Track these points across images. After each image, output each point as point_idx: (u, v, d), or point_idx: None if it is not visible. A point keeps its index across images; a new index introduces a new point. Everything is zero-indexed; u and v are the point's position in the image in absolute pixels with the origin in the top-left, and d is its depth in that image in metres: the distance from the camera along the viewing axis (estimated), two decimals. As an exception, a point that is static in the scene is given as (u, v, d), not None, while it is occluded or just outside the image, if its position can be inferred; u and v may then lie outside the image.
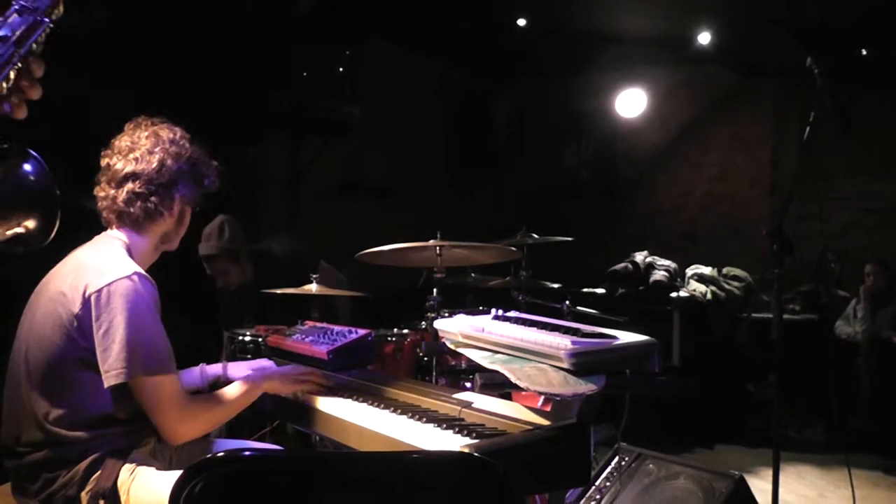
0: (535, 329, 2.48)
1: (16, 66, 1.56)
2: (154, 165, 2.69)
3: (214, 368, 3.17)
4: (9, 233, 1.89)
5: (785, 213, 3.73)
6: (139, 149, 2.71)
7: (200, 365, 3.18)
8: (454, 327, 2.76)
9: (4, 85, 1.55)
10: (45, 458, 2.49)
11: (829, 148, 7.50)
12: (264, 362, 3.26)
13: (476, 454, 1.94)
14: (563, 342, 2.30)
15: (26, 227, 1.90)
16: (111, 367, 2.43)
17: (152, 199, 2.70)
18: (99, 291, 2.48)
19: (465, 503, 1.70)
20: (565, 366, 2.29)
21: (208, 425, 2.68)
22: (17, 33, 1.55)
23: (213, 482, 1.51)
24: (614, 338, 2.41)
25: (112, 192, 2.71)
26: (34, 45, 1.59)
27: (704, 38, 7.65)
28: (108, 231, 2.77)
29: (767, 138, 8.29)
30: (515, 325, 2.56)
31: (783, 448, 4.79)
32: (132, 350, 2.44)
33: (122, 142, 2.76)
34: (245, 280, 5.00)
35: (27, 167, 1.88)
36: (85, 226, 2.85)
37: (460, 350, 2.72)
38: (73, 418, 2.51)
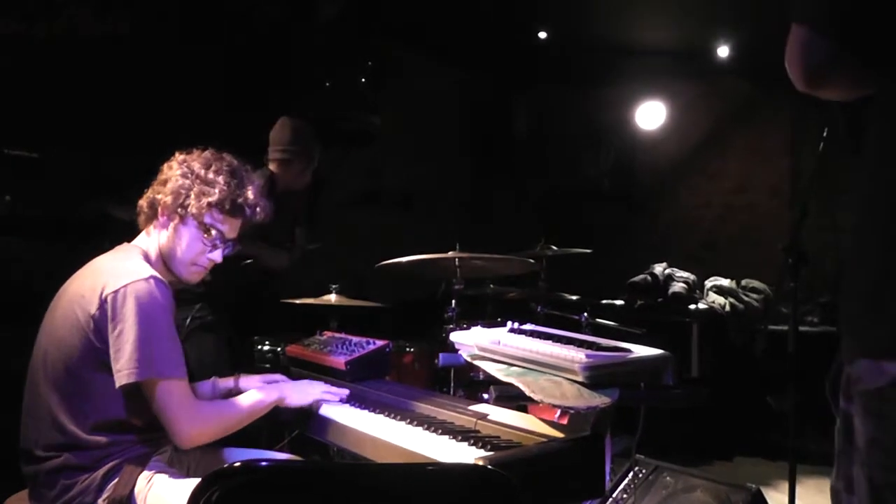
0: (550, 342, 2.50)
1: None
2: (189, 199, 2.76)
3: (226, 382, 3.19)
4: None
5: (800, 227, 3.74)
6: (188, 176, 2.78)
7: (213, 378, 3.20)
8: (470, 339, 2.78)
9: None
10: (63, 464, 2.52)
11: (848, 159, 7.47)
12: (277, 377, 3.27)
13: (490, 466, 1.96)
14: (577, 355, 2.32)
15: None
16: (123, 367, 2.46)
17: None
18: (115, 293, 2.52)
19: (480, 515, 1.72)
20: (580, 379, 2.31)
21: (219, 430, 2.69)
22: None
23: (231, 492, 1.52)
24: (629, 351, 2.42)
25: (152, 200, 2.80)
26: None
27: (723, 50, 7.66)
28: (135, 240, 2.84)
29: (787, 149, 8.25)
30: (531, 339, 2.58)
31: (805, 461, 4.77)
32: (144, 351, 2.47)
33: (175, 169, 2.82)
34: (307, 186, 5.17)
35: None
36: (109, 235, 2.92)
37: (476, 362, 2.73)
38: (91, 421, 2.55)
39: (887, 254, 1.47)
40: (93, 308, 2.53)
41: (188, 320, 4.51)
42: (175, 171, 2.80)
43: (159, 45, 5.61)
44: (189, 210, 2.75)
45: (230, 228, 2.84)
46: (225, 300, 4.79)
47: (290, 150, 4.97)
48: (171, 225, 2.78)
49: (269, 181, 4.87)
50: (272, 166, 4.98)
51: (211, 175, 2.78)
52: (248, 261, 4.79)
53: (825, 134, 3.52)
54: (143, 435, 2.63)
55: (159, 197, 2.78)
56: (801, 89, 1.60)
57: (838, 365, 1.57)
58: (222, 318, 4.71)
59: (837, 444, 1.58)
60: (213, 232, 2.80)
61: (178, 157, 2.86)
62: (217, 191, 2.76)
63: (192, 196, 2.75)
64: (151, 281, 2.57)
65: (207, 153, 2.86)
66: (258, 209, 2.88)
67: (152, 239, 2.82)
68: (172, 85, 5.61)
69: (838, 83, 1.60)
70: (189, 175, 2.77)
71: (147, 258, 2.76)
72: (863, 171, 1.56)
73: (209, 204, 2.75)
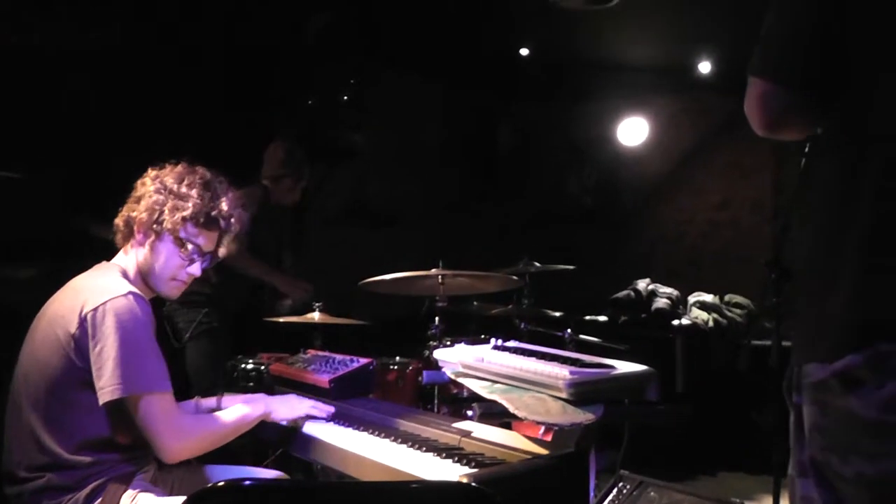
0: (533, 359, 2.49)
1: None
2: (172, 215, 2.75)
3: (209, 401, 3.17)
4: None
5: (783, 242, 3.76)
6: (162, 192, 2.78)
7: (196, 398, 3.18)
8: (454, 357, 2.77)
9: None
10: (47, 485, 2.50)
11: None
12: (259, 397, 3.24)
13: (475, 484, 1.95)
14: (561, 372, 2.32)
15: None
16: (106, 384, 2.45)
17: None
18: (95, 310, 2.51)
19: (464, 532, 1.71)
20: (564, 395, 2.31)
21: (205, 444, 2.69)
22: None
23: (214, 511, 1.52)
24: (612, 367, 2.43)
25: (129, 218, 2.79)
26: None
27: (705, 66, 7.70)
28: (114, 259, 2.83)
29: (769, 164, 8.27)
30: (514, 355, 2.58)
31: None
32: (126, 367, 2.46)
33: (149, 185, 2.81)
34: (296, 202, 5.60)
35: None
36: (90, 254, 2.91)
37: (460, 380, 2.73)
38: (74, 441, 2.53)
39: (816, 274, 1.68)
40: (73, 327, 2.52)
41: (195, 323, 4.58)
42: (149, 187, 2.80)
43: (143, 62, 5.60)
44: (164, 226, 2.74)
45: (206, 241, 2.84)
46: (231, 306, 4.87)
47: (282, 170, 5.38)
48: (148, 242, 2.77)
49: (263, 195, 5.27)
50: (265, 182, 5.37)
51: (184, 189, 2.78)
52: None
53: (807, 149, 3.55)
54: (127, 454, 2.62)
55: (134, 214, 2.78)
56: (760, 134, 1.80)
57: (792, 366, 1.76)
58: (225, 328, 4.79)
59: (792, 436, 1.76)
60: (190, 246, 2.79)
61: (151, 172, 2.85)
62: (191, 205, 2.76)
63: (167, 211, 2.74)
64: (130, 297, 2.56)
65: (180, 167, 2.85)
66: (233, 220, 2.88)
67: (130, 257, 2.81)
68: (157, 101, 5.60)
69: (795, 127, 1.80)
70: (162, 191, 2.77)
71: (126, 276, 2.75)
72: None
73: (183, 218, 2.75)
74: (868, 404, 1.51)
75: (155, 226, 2.75)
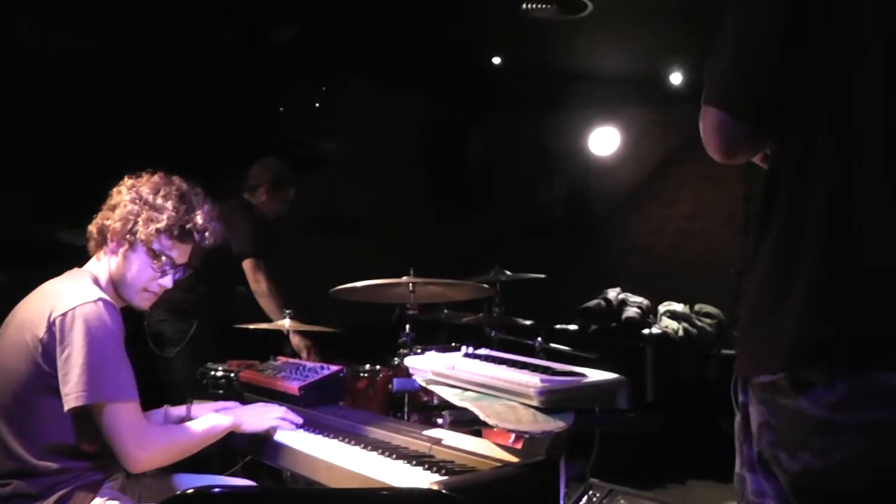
0: (504, 367, 2.49)
1: None
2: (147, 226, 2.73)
3: (178, 410, 3.13)
4: None
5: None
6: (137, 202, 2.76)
7: (164, 406, 3.15)
8: (425, 364, 2.77)
9: None
10: (13, 492, 2.48)
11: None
12: (230, 404, 3.22)
13: (445, 491, 1.95)
14: (532, 380, 2.32)
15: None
16: (71, 390, 2.43)
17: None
18: (63, 315, 2.49)
19: (434, 540, 1.71)
20: (535, 403, 2.30)
21: (170, 455, 2.66)
22: None
23: (182, 519, 1.51)
24: (583, 376, 2.43)
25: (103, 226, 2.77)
26: None
27: (676, 77, 7.76)
28: (86, 266, 2.81)
29: (740, 175, 8.31)
30: (485, 363, 2.58)
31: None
32: (92, 374, 2.44)
33: (125, 194, 2.79)
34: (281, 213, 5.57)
35: None
36: (60, 260, 2.89)
37: (431, 387, 2.72)
38: (41, 446, 2.51)
39: (769, 288, 1.70)
40: (41, 332, 2.50)
41: (188, 335, 4.57)
42: (124, 196, 2.77)
43: (112, 66, 5.57)
44: (138, 237, 2.72)
45: (180, 254, 2.82)
46: (217, 315, 4.85)
47: (268, 186, 5.38)
48: (121, 251, 2.75)
49: (247, 209, 5.28)
50: (248, 197, 5.39)
51: (159, 201, 2.76)
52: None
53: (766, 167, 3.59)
54: (95, 461, 2.60)
55: (108, 223, 2.75)
56: (716, 160, 1.88)
57: (737, 375, 1.80)
58: (210, 338, 4.78)
59: (738, 435, 1.80)
60: (163, 258, 2.77)
61: (127, 181, 2.83)
62: (165, 217, 2.74)
63: (141, 222, 2.72)
64: (100, 303, 2.54)
65: (156, 178, 2.83)
66: (207, 234, 2.85)
67: (102, 264, 2.79)
68: (125, 107, 5.57)
69: (750, 152, 1.88)
70: (137, 201, 2.75)
71: (97, 283, 2.73)
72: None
73: (157, 230, 2.73)
74: (818, 405, 1.55)
75: (128, 236, 2.73)
